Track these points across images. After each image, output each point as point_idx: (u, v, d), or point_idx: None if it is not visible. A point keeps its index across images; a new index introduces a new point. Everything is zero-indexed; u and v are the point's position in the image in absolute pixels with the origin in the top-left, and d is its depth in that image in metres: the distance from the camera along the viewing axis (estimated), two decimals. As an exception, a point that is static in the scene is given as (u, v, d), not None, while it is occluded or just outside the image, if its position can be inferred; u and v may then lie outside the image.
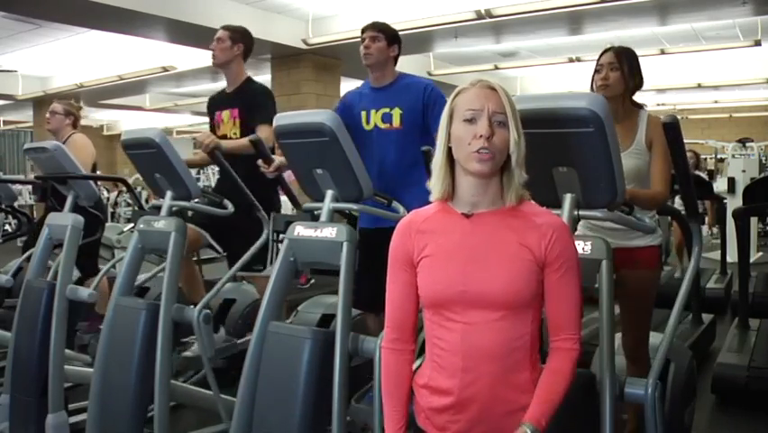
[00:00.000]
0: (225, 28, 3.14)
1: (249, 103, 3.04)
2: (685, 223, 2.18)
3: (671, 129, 1.64)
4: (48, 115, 4.01)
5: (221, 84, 3.41)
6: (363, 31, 2.81)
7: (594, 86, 2.29)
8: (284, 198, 3.41)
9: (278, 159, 2.62)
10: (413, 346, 1.38)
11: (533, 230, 1.28)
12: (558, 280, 1.28)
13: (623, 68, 2.24)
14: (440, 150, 1.31)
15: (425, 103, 2.70)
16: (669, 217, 5.38)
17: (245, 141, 2.80)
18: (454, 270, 1.27)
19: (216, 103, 3.24)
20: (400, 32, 2.92)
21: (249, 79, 3.18)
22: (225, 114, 3.13)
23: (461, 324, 1.27)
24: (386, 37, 2.76)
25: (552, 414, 1.26)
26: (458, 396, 1.26)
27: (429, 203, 1.38)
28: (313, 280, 5.76)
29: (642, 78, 2.30)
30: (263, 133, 2.89)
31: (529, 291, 1.26)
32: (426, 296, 1.31)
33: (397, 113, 2.73)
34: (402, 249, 1.35)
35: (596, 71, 2.29)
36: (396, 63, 2.84)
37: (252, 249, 2.69)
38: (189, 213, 3.15)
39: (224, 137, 3.10)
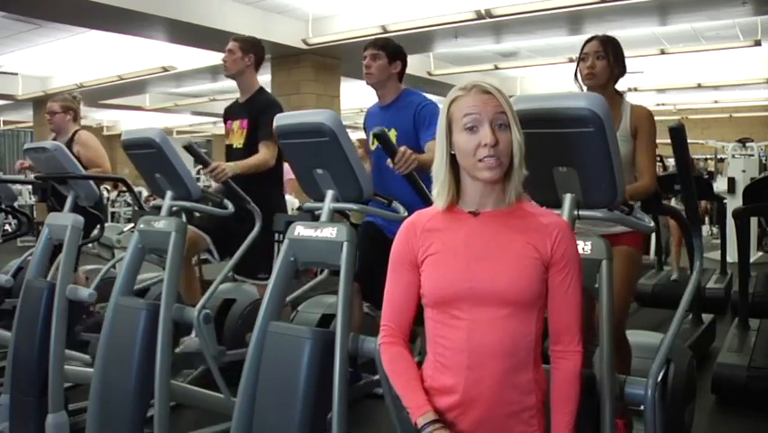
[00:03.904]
0: (236, 39, 3.13)
1: (258, 115, 3.01)
2: (684, 223, 2.18)
3: (676, 135, 1.64)
4: (47, 116, 3.99)
5: (221, 84, 3.44)
6: (365, 48, 2.78)
7: (579, 74, 2.30)
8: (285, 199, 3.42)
9: (216, 163, 2.64)
10: (409, 337, 1.38)
11: (539, 229, 1.29)
12: (562, 280, 1.29)
13: (608, 56, 2.26)
14: (442, 158, 1.29)
15: (415, 122, 2.67)
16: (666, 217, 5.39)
17: (252, 160, 2.86)
18: (461, 266, 1.27)
19: (230, 112, 3.24)
20: (400, 33, 2.90)
21: (261, 90, 3.17)
22: (236, 123, 3.13)
23: (466, 321, 1.26)
24: (387, 54, 2.73)
25: (575, 422, 1.29)
26: (463, 395, 1.26)
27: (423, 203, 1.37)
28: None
29: (625, 67, 2.33)
30: (263, 151, 2.93)
31: (534, 289, 1.27)
32: (432, 293, 1.30)
33: (392, 134, 2.71)
34: (406, 249, 1.34)
35: (581, 60, 2.30)
36: (400, 79, 2.81)
37: (246, 242, 2.66)
38: (195, 215, 3.15)
39: (230, 147, 3.13)
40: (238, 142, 3.10)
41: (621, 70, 2.31)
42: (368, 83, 2.78)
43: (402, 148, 2.18)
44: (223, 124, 3.31)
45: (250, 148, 3.02)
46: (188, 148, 2.55)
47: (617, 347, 2.24)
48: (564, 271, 1.29)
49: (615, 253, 2.09)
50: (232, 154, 3.10)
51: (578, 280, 1.31)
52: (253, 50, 3.12)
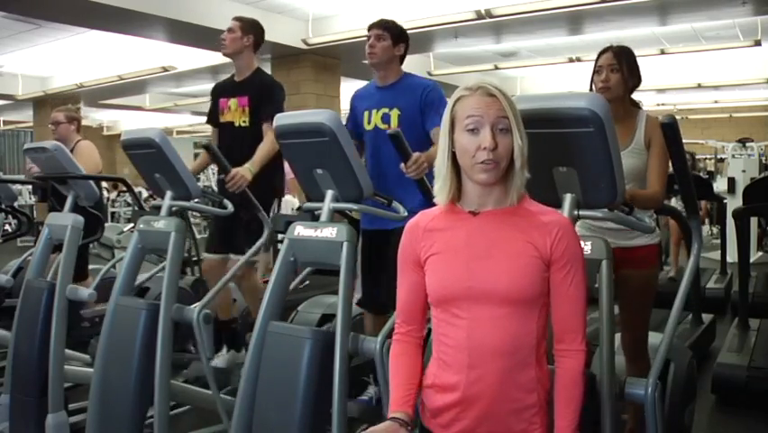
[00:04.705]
0: (237, 19, 3.17)
1: (260, 93, 3.05)
2: (685, 222, 2.18)
3: (669, 129, 1.64)
4: (51, 126, 4.05)
5: (221, 84, 3.41)
6: (369, 28, 2.78)
7: (594, 87, 2.28)
8: (285, 198, 3.42)
9: (235, 170, 2.65)
10: (422, 333, 1.40)
11: (539, 228, 1.29)
12: (563, 278, 1.29)
13: (623, 68, 2.24)
14: (444, 156, 1.31)
15: (422, 105, 2.67)
16: (666, 217, 5.39)
17: (262, 151, 2.87)
18: (460, 266, 1.29)
19: (223, 90, 3.26)
20: (401, 33, 2.89)
21: (259, 70, 3.21)
22: (233, 101, 3.15)
23: (466, 320, 1.27)
24: (391, 36, 2.74)
25: (578, 421, 1.29)
26: (464, 393, 1.27)
27: (426, 202, 1.38)
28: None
29: (640, 77, 2.30)
30: (269, 133, 2.91)
31: (534, 288, 1.27)
32: (434, 292, 1.32)
33: (395, 114, 2.71)
34: (410, 249, 1.37)
35: (595, 72, 2.28)
36: (402, 62, 2.81)
37: (254, 247, 2.68)
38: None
39: (231, 124, 3.15)
40: (240, 120, 3.12)
41: (636, 81, 2.28)
42: (370, 63, 2.76)
43: (416, 154, 2.19)
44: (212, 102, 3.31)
45: (256, 125, 3.05)
46: (208, 148, 2.55)
47: (635, 361, 2.26)
48: (565, 269, 1.29)
49: (631, 280, 2.13)
50: (235, 132, 3.12)
51: (580, 278, 1.31)
52: (253, 30, 3.16)
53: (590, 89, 2.30)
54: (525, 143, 1.27)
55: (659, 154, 2.17)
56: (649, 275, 2.28)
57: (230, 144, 3.10)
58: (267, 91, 3.08)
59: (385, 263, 2.09)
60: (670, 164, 2.00)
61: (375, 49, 2.72)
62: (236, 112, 3.13)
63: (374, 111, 2.77)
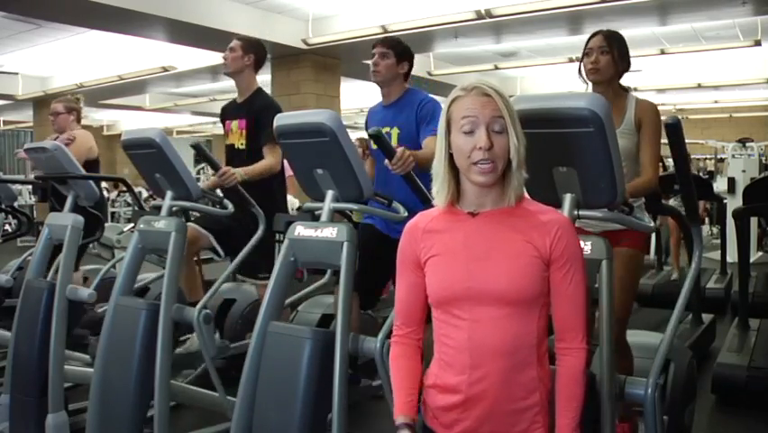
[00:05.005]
0: (239, 38, 3.16)
1: (257, 117, 3.03)
2: (685, 222, 2.18)
3: (672, 130, 1.64)
4: (51, 117, 4.04)
5: (221, 84, 3.44)
6: (374, 46, 2.78)
7: (584, 69, 2.29)
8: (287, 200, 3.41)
9: (225, 168, 2.68)
10: (421, 336, 1.40)
11: (538, 227, 1.29)
12: (563, 277, 1.29)
13: (613, 51, 2.25)
14: (441, 157, 1.31)
15: (417, 119, 2.66)
16: (666, 217, 5.39)
17: (259, 167, 2.91)
18: (460, 267, 1.29)
19: (228, 112, 3.26)
20: (400, 33, 2.90)
21: (258, 90, 3.19)
22: (234, 124, 3.14)
23: (467, 321, 1.28)
24: (395, 54, 2.73)
25: (580, 420, 1.29)
26: (466, 393, 1.27)
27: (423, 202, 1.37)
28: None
29: (629, 62, 2.31)
30: (268, 157, 2.95)
31: (534, 288, 1.27)
32: (434, 294, 1.32)
33: (395, 133, 2.71)
34: (409, 251, 1.37)
35: (585, 55, 2.29)
36: (406, 79, 2.81)
37: (249, 244, 2.67)
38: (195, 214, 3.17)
39: (232, 147, 3.15)
40: (239, 142, 3.12)
41: (625, 66, 2.30)
42: (374, 80, 2.77)
43: (400, 149, 2.19)
44: (221, 125, 3.33)
45: (251, 148, 3.04)
46: (197, 147, 2.56)
47: (615, 349, 2.24)
48: (565, 267, 1.29)
49: (615, 255, 2.10)
50: (234, 155, 3.12)
51: (580, 276, 1.31)
52: (253, 50, 3.15)
53: (579, 72, 2.31)
54: (521, 143, 1.27)
55: (650, 138, 2.19)
56: (633, 255, 2.24)
57: (230, 166, 3.10)
58: (264, 116, 3.00)
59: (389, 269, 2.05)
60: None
61: (379, 67, 2.72)
62: (236, 134, 3.13)
63: None
